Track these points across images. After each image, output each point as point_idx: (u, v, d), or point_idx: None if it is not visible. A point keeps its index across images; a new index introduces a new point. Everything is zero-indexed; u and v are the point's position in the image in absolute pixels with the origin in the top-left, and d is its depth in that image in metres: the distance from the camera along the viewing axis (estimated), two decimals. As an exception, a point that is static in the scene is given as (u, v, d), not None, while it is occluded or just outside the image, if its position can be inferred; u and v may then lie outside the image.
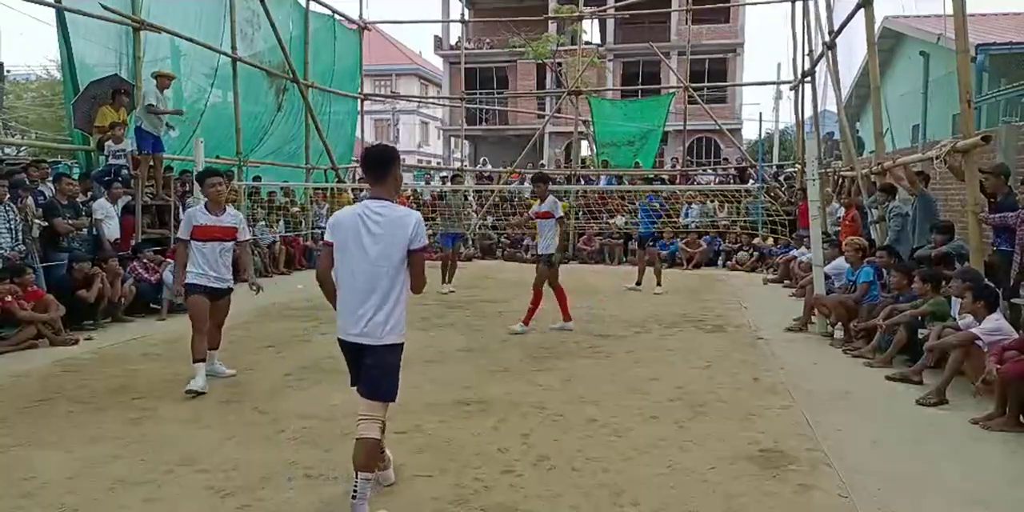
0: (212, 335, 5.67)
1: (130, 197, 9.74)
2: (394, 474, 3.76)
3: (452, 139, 33.22)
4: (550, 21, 23.96)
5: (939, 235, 7.16)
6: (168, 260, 9.04)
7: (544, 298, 7.82)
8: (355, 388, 3.42)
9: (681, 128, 20.66)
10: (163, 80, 9.94)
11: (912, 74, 17.60)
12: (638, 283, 11.01)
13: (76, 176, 9.66)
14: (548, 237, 7.84)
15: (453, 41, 31.79)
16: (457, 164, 24.60)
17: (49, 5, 9.42)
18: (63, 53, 9.77)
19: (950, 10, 6.79)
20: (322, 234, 15.26)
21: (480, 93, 31.34)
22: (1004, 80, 13.11)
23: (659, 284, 10.76)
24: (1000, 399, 4.66)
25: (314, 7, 16.11)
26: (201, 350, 5.44)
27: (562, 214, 8.04)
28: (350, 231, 3.33)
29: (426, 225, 3.35)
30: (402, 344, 3.42)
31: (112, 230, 9.04)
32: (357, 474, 3.24)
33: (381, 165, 3.42)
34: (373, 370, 3.33)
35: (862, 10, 9.72)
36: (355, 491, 3.21)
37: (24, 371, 6.03)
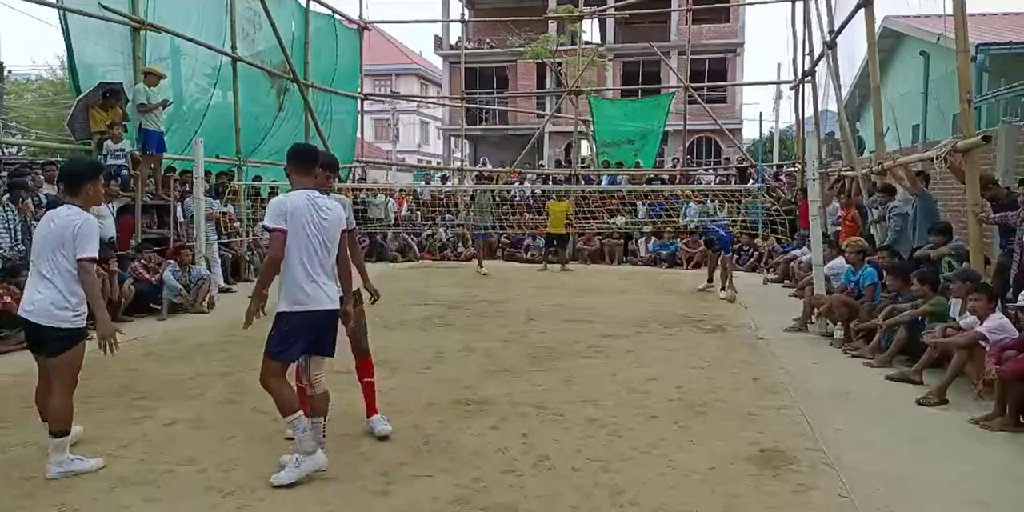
0: None
1: (129, 198, 9.72)
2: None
3: (452, 139, 33.15)
4: (550, 21, 23.96)
5: (937, 236, 7.12)
6: (169, 260, 9.04)
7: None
8: (289, 359, 3.79)
9: (681, 128, 20.66)
10: (151, 77, 9.93)
11: (912, 74, 17.59)
12: (709, 280, 11.03)
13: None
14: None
15: (453, 41, 31.75)
16: (457, 164, 24.58)
17: (51, 5, 9.41)
18: (69, 54, 9.76)
19: (950, 10, 6.79)
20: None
21: (480, 93, 31.31)
22: (1004, 80, 13.10)
23: (723, 288, 10.43)
24: (1000, 399, 4.66)
25: (314, 7, 16.11)
26: None
27: (354, 227, 4.48)
28: (303, 216, 3.74)
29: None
30: None
31: (105, 230, 8.89)
32: (324, 419, 3.89)
33: (313, 163, 4.12)
34: (334, 331, 3.88)
35: (862, 10, 9.72)
36: (324, 433, 3.88)
37: (24, 371, 6.01)
